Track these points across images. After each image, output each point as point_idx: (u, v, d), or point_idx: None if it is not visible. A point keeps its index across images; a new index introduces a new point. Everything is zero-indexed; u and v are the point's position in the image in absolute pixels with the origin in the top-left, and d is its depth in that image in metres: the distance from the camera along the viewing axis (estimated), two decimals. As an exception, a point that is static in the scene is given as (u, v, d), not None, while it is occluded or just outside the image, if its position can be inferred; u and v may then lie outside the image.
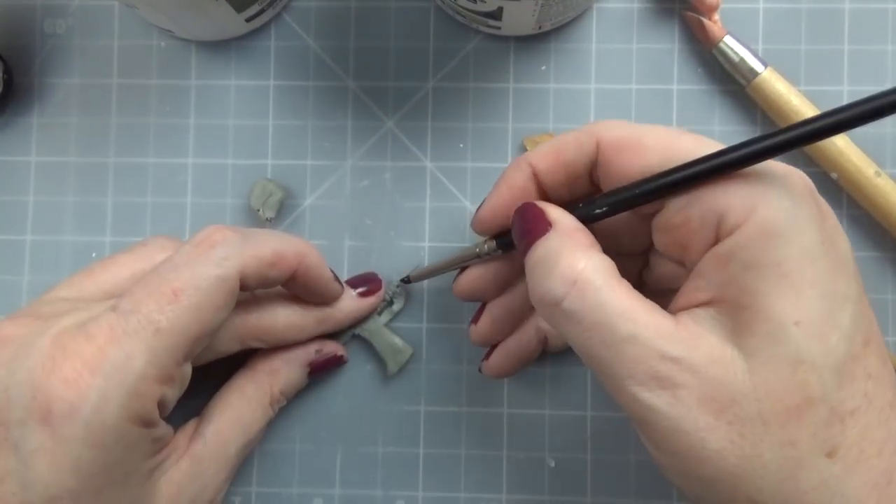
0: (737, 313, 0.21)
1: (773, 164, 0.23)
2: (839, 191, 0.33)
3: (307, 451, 0.33)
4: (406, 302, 0.33)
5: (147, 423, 0.25)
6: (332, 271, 0.30)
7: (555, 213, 0.24)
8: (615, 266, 0.23)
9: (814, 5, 0.34)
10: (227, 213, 0.34)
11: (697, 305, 0.22)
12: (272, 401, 0.30)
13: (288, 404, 0.32)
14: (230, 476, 0.30)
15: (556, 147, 0.26)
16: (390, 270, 0.34)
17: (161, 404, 0.25)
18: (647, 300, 0.23)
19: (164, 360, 0.24)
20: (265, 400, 0.30)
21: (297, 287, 0.29)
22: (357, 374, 0.34)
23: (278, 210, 0.34)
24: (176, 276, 0.25)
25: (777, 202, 0.21)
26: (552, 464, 0.33)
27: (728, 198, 0.22)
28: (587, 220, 0.25)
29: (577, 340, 0.23)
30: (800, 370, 0.20)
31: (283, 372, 0.31)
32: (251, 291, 0.29)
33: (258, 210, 0.33)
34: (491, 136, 0.34)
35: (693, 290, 0.23)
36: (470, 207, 0.34)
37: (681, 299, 0.23)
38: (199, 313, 0.25)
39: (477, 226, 0.28)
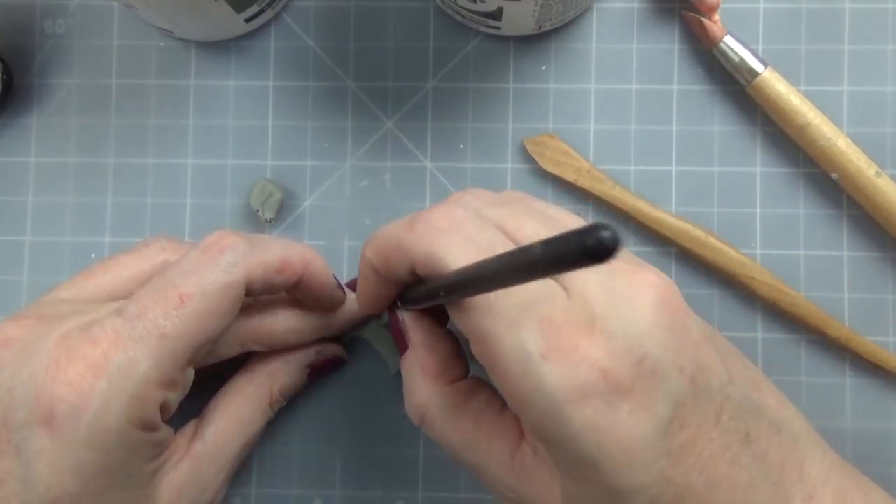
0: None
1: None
2: (839, 191, 0.33)
3: (307, 452, 0.33)
4: None
5: (149, 427, 0.25)
6: (336, 278, 0.30)
7: (410, 330, 0.27)
8: (464, 387, 0.26)
9: (814, 5, 0.34)
10: (227, 213, 0.34)
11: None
12: (272, 402, 0.30)
13: (288, 405, 0.32)
14: (230, 477, 0.30)
15: (383, 251, 0.25)
16: (390, 271, 0.33)
17: (163, 408, 0.25)
18: (494, 421, 0.25)
19: (167, 365, 0.24)
20: (265, 401, 0.30)
21: (301, 293, 0.29)
22: (357, 374, 0.34)
23: (278, 210, 0.34)
24: (183, 282, 0.25)
25: (543, 400, 0.21)
26: (552, 464, 0.33)
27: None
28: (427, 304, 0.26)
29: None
30: None
31: (282, 373, 0.31)
32: (255, 297, 0.29)
33: (258, 210, 0.33)
34: (491, 137, 0.34)
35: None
36: (470, 208, 0.34)
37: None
38: (204, 319, 0.25)
39: (360, 310, 0.29)
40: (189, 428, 0.29)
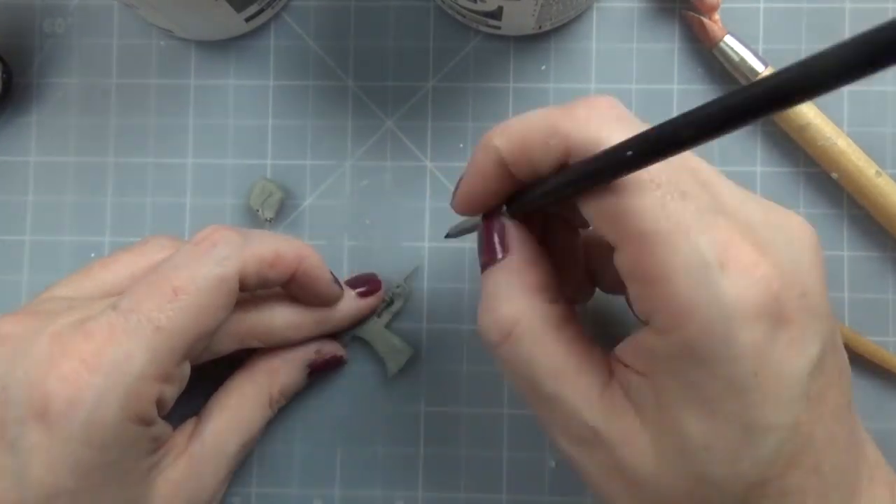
0: (660, 408, 0.21)
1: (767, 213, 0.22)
2: (839, 191, 0.33)
3: (307, 452, 0.33)
4: (406, 302, 0.33)
5: (145, 422, 0.25)
6: (333, 273, 0.30)
7: (513, 239, 0.24)
8: (559, 311, 0.23)
9: (814, 5, 0.34)
10: (227, 213, 0.34)
11: (636, 371, 0.22)
12: (271, 401, 0.30)
13: (288, 404, 0.32)
14: (228, 476, 0.30)
15: (523, 140, 0.23)
16: (390, 270, 0.33)
17: (160, 403, 0.25)
18: (584, 353, 0.23)
19: (163, 359, 0.24)
20: (264, 400, 0.30)
21: (296, 289, 0.29)
22: (357, 374, 0.34)
23: (278, 210, 0.34)
24: (176, 275, 0.25)
25: (713, 312, 0.19)
26: (552, 464, 0.33)
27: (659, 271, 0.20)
28: (533, 207, 0.24)
29: (510, 382, 0.24)
30: (702, 485, 0.21)
31: (282, 372, 0.31)
32: (251, 292, 0.29)
33: (258, 210, 0.33)
34: (491, 136, 0.34)
35: (633, 349, 0.22)
36: (470, 207, 0.34)
37: (626, 349, 0.22)
38: (198, 312, 0.25)
39: (457, 209, 0.26)
40: (188, 426, 0.29)
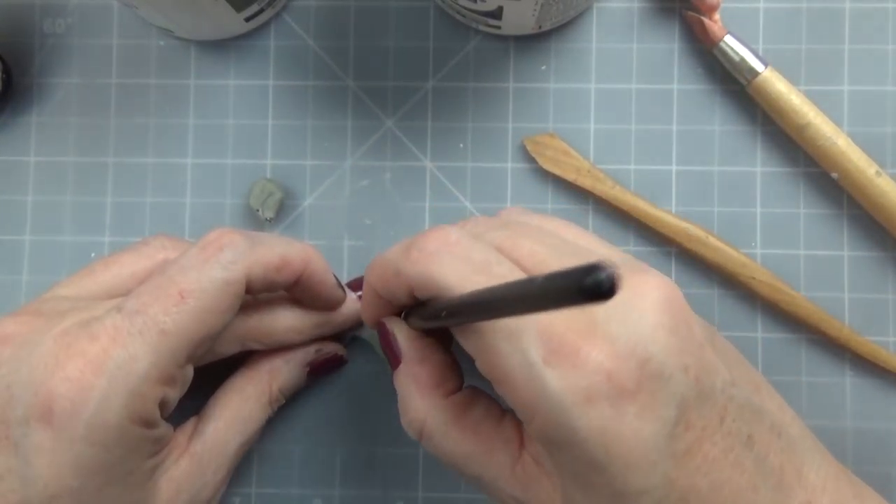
0: (556, 476, 0.23)
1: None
2: (839, 191, 0.33)
3: (307, 452, 0.33)
4: None
5: (148, 424, 0.25)
6: (336, 277, 0.30)
7: (402, 341, 0.26)
8: (459, 399, 0.25)
9: (814, 5, 0.34)
10: (227, 213, 0.34)
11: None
12: (271, 400, 0.30)
13: (288, 404, 0.32)
14: (229, 474, 0.30)
15: (381, 276, 0.26)
16: (390, 270, 0.33)
17: (162, 405, 0.25)
18: (492, 432, 0.25)
19: (167, 361, 0.24)
20: (264, 399, 0.30)
21: (300, 292, 0.29)
22: (357, 374, 0.34)
23: (278, 210, 0.34)
24: (183, 279, 0.25)
25: (548, 406, 0.21)
26: (552, 464, 0.33)
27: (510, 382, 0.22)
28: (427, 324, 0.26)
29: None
30: None
31: (282, 371, 0.31)
32: (254, 295, 0.29)
33: (258, 210, 0.33)
34: (491, 136, 0.34)
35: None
36: (470, 207, 0.34)
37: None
38: (204, 316, 0.25)
39: (364, 321, 0.29)
40: (189, 425, 0.29)
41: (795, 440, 0.24)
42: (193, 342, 0.25)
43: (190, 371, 0.26)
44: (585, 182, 0.33)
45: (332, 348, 0.32)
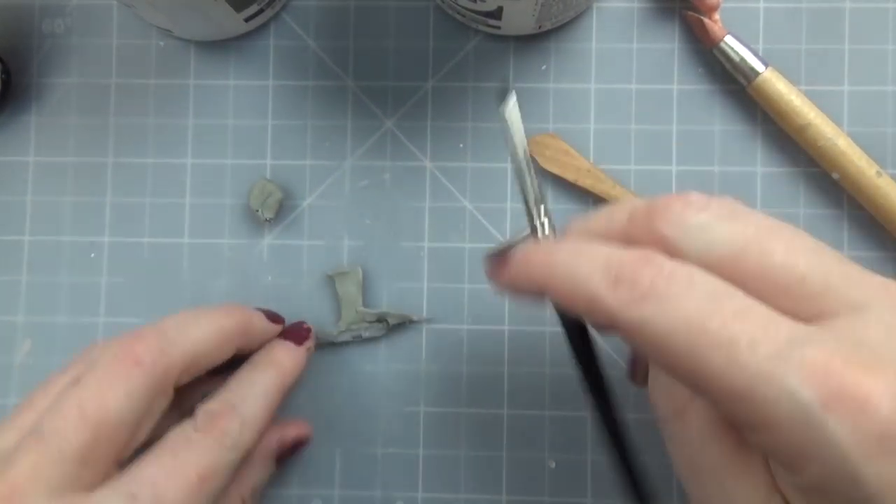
0: None
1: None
2: (839, 191, 0.33)
3: (307, 451, 0.33)
4: (386, 332, 0.33)
5: None
6: (264, 311, 0.31)
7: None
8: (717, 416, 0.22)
9: (814, 5, 0.34)
10: (226, 213, 0.34)
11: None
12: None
13: (288, 404, 0.32)
14: None
15: (551, 290, 0.22)
16: (390, 270, 0.33)
17: None
18: (746, 457, 0.21)
19: None
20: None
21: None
22: (357, 374, 0.34)
23: (277, 210, 0.34)
24: (198, 461, 0.25)
25: (829, 455, 0.18)
26: (552, 464, 0.33)
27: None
28: None
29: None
30: None
31: (248, 474, 0.30)
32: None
33: (257, 210, 0.33)
34: (491, 136, 0.34)
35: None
36: (470, 207, 0.34)
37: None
38: (216, 493, 0.26)
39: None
40: None
41: None
42: None
43: None
44: (586, 182, 0.33)
45: (293, 432, 0.32)
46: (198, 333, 0.27)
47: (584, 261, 0.21)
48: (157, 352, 0.25)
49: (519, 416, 0.33)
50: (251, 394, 0.28)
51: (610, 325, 0.20)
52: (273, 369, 0.29)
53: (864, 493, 0.18)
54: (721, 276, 0.20)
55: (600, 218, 0.23)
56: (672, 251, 0.20)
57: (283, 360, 0.30)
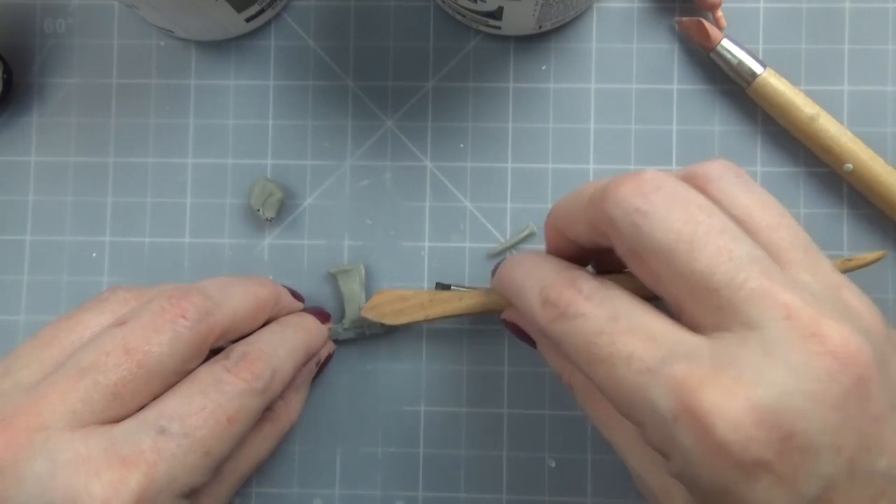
0: None
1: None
2: (840, 190, 0.33)
3: (307, 451, 0.33)
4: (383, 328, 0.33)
5: None
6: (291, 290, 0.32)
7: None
8: None
9: (814, 5, 0.34)
10: (227, 213, 0.34)
11: None
12: (289, 427, 0.31)
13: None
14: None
15: (561, 225, 0.25)
16: (390, 270, 0.34)
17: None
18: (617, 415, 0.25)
19: (205, 478, 0.25)
20: (283, 433, 0.31)
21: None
22: (357, 374, 0.34)
23: (278, 210, 0.34)
24: (229, 405, 0.26)
25: (680, 457, 0.20)
26: (552, 464, 0.33)
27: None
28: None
29: None
30: None
31: (294, 401, 0.31)
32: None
33: (258, 210, 0.33)
34: (491, 136, 0.34)
35: None
36: (470, 207, 0.34)
37: None
38: (241, 436, 0.26)
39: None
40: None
41: None
42: (227, 457, 0.26)
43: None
44: (434, 310, 0.31)
45: (326, 350, 0.33)
46: (237, 299, 0.27)
47: (529, 282, 0.24)
48: (203, 310, 0.26)
49: (519, 415, 0.33)
50: (283, 347, 0.28)
51: (595, 232, 0.23)
52: (302, 333, 0.30)
53: (701, 493, 0.20)
54: (646, 269, 0.22)
55: (570, 200, 0.25)
56: (615, 234, 0.22)
57: (311, 326, 0.31)
